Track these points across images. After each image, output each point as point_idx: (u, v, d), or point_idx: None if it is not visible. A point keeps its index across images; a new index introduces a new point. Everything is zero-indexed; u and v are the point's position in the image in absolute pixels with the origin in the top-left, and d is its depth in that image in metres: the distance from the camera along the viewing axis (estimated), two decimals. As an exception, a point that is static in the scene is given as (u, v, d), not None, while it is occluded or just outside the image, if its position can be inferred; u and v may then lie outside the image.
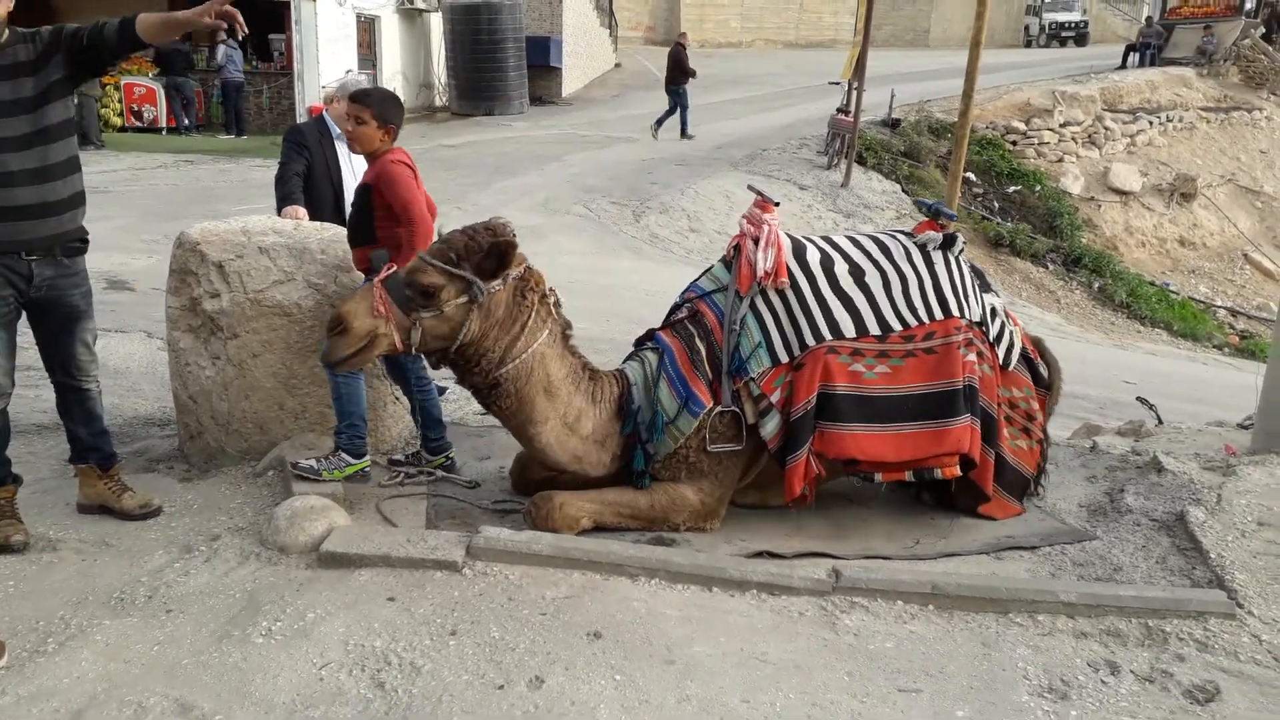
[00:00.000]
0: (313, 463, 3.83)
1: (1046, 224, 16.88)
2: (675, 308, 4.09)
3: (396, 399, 4.53)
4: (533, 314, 3.60)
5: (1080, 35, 34.13)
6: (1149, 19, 25.15)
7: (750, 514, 3.99)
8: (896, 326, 3.80)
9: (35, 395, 5.38)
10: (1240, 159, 21.32)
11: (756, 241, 3.79)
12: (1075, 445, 5.19)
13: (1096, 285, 15.68)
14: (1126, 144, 19.64)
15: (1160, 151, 20.08)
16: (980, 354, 3.89)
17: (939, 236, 3.96)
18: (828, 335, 3.73)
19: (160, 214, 10.51)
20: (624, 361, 3.98)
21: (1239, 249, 18.99)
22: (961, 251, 4.04)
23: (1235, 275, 18.61)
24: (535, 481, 4.00)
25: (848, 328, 3.76)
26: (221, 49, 17.16)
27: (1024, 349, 4.22)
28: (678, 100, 18.01)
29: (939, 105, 19.20)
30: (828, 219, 14.57)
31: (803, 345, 3.73)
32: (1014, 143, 18.67)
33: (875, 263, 3.90)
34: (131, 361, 6.37)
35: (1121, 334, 14.72)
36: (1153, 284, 16.67)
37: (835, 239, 4.06)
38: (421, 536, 3.46)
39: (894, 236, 4.05)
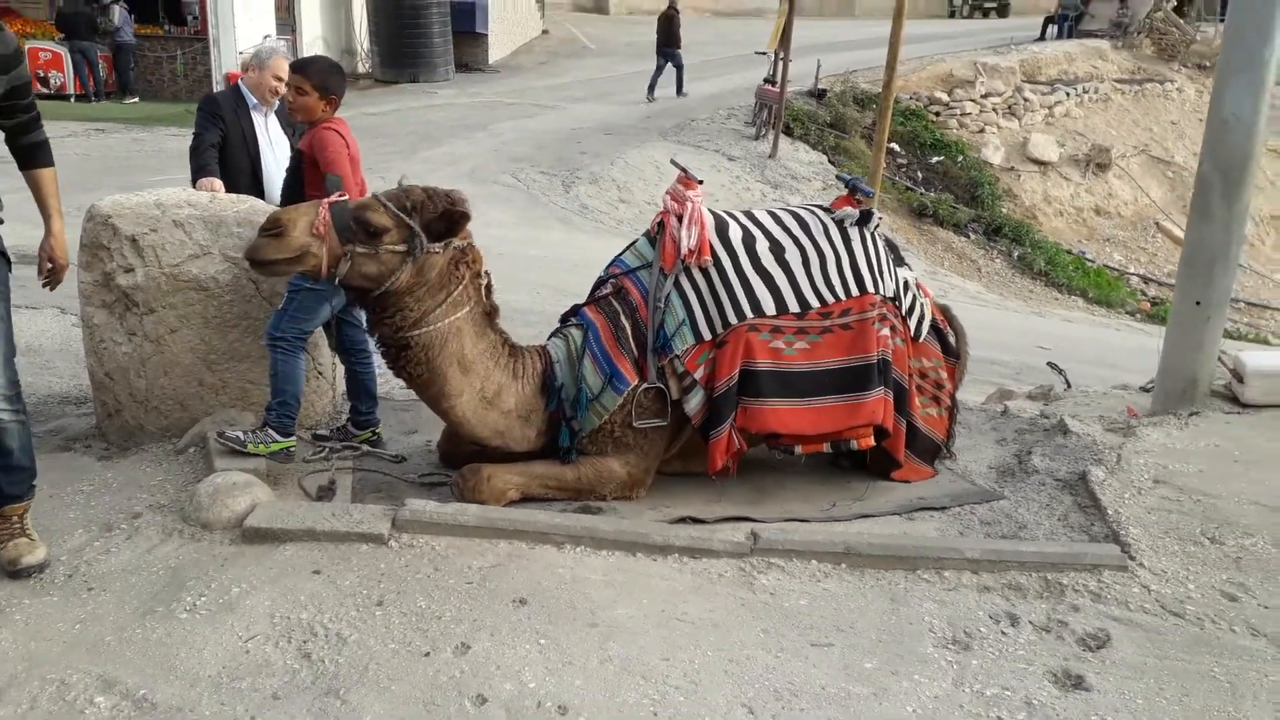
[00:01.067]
0: (239, 434, 3.80)
1: (968, 194, 17.27)
2: (599, 283, 4.13)
3: (320, 374, 4.51)
4: (460, 287, 3.62)
5: (1002, 7, 34.81)
6: (1066, -9, 25.68)
7: (674, 481, 4.09)
8: (815, 304, 3.89)
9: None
10: (1153, 130, 22.02)
11: (680, 219, 3.84)
12: (988, 409, 5.38)
13: (1016, 254, 16.13)
14: (1045, 115, 20.13)
15: (1077, 122, 20.63)
16: (893, 328, 4.02)
17: (856, 213, 4.06)
18: (749, 313, 3.81)
19: (71, 184, 10.09)
20: (549, 338, 4.02)
21: (1151, 218, 19.66)
22: (877, 228, 4.14)
23: (1148, 243, 19.28)
24: (464, 455, 4.02)
25: (768, 305, 3.84)
26: (117, 10, 16.54)
27: (934, 320, 4.36)
28: (669, 60, 18.99)
29: (864, 76, 19.45)
30: (755, 190, 14.71)
31: (725, 323, 3.80)
32: (937, 113, 19.01)
33: (795, 240, 3.98)
34: (44, 339, 6.21)
35: (1040, 301, 15.19)
36: (1069, 252, 17.20)
37: (756, 214, 4.13)
38: (346, 510, 3.48)
39: (813, 212, 4.14)
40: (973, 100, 19.30)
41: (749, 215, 4.13)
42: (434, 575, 3.13)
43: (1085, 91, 20.99)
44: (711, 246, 3.86)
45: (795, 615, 3.01)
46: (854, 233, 4.05)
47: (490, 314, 3.79)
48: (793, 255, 3.94)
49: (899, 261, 4.28)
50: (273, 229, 3.39)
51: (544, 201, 12.89)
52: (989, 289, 14.90)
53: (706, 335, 3.81)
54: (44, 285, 3.51)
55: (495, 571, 3.17)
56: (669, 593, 3.10)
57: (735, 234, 3.94)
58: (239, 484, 3.50)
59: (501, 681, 2.62)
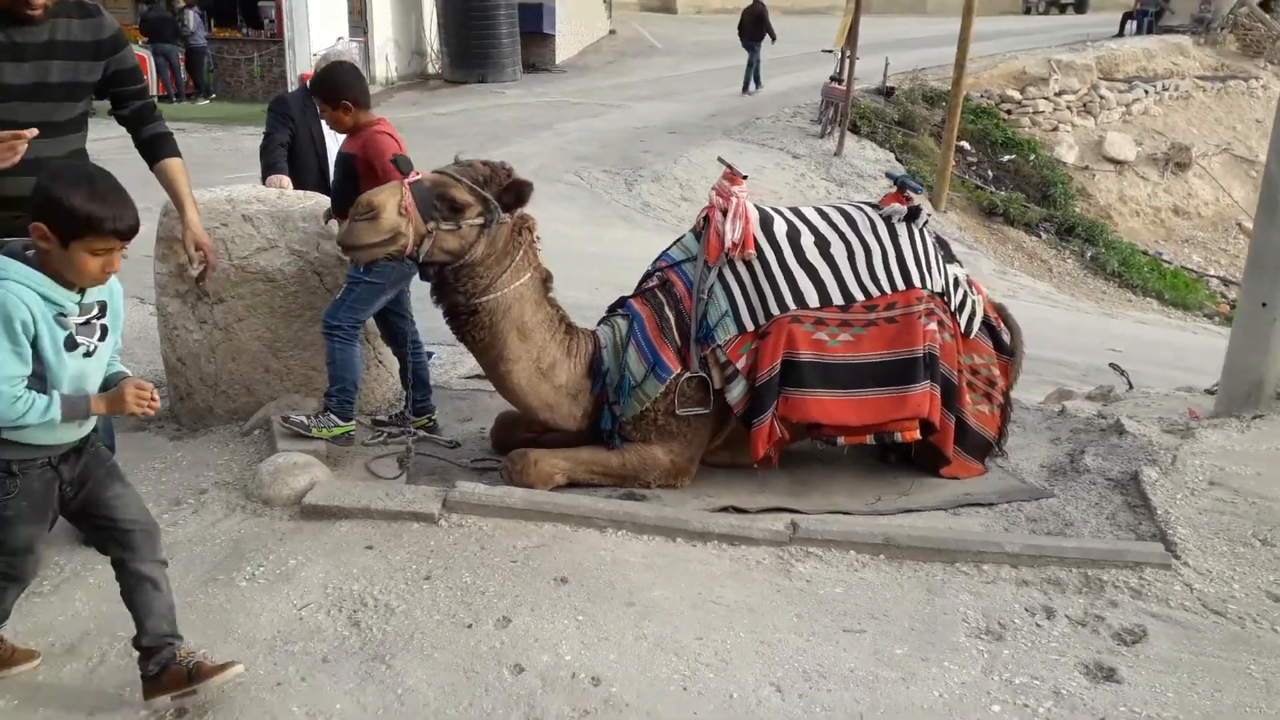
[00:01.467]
0: (303, 418, 3.96)
1: (1040, 193, 16.95)
2: (646, 276, 4.22)
3: (380, 362, 4.68)
4: (522, 253, 3.75)
5: (1080, 3, 34.01)
6: (1146, -13, 25.01)
7: (719, 472, 4.15)
8: (859, 297, 3.93)
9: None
10: (1236, 128, 21.35)
11: (725, 213, 3.91)
12: (1044, 409, 5.33)
13: (1089, 254, 15.79)
14: (1122, 113, 19.68)
15: (1155, 120, 20.11)
16: (941, 323, 4.02)
17: (903, 209, 4.08)
18: (792, 305, 3.86)
19: (153, 183, 10.59)
20: (596, 326, 4.12)
21: (1233, 219, 19.07)
22: (925, 224, 4.15)
23: (1229, 245, 18.71)
24: (515, 442, 4.14)
25: (811, 298, 3.89)
26: (191, 14, 17.12)
27: (986, 317, 4.35)
28: (753, 55, 19.36)
29: (934, 73, 19.21)
30: (820, 188, 14.65)
31: (768, 314, 3.86)
32: (1009, 111, 18.71)
33: (840, 234, 4.02)
34: (126, 328, 6.50)
35: (1112, 303, 14.85)
36: (1145, 253, 16.78)
37: (803, 211, 4.17)
38: (400, 490, 3.62)
39: (860, 209, 4.17)
40: (1046, 98, 18.95)
41: (795, 211, 4.17)
42: (480, 553, 3.25)
43: (1165, 89, 20.46)
44: (755, 240, 3.91)
45: (830, 602, 3.06)
46: (901, 228, 4.07)
47: (546, 281, 3.90)
48: (838, 249, 3.98)
49: (949, 258, 4.27)
50: (367, 213, 3.46)
51: (606, 200, 13.02)
52: (1060, 289, 14.62)
53: (749, 326, 3.87)
54: (197, 279, 3.70)
55: (538, 551, 3.28)
56: (706, 577, 3.17)
57: (780, 228, 3.99)
58: (299, 464, 3.67)
59: (539, 653, 2.72)
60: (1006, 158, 17.38)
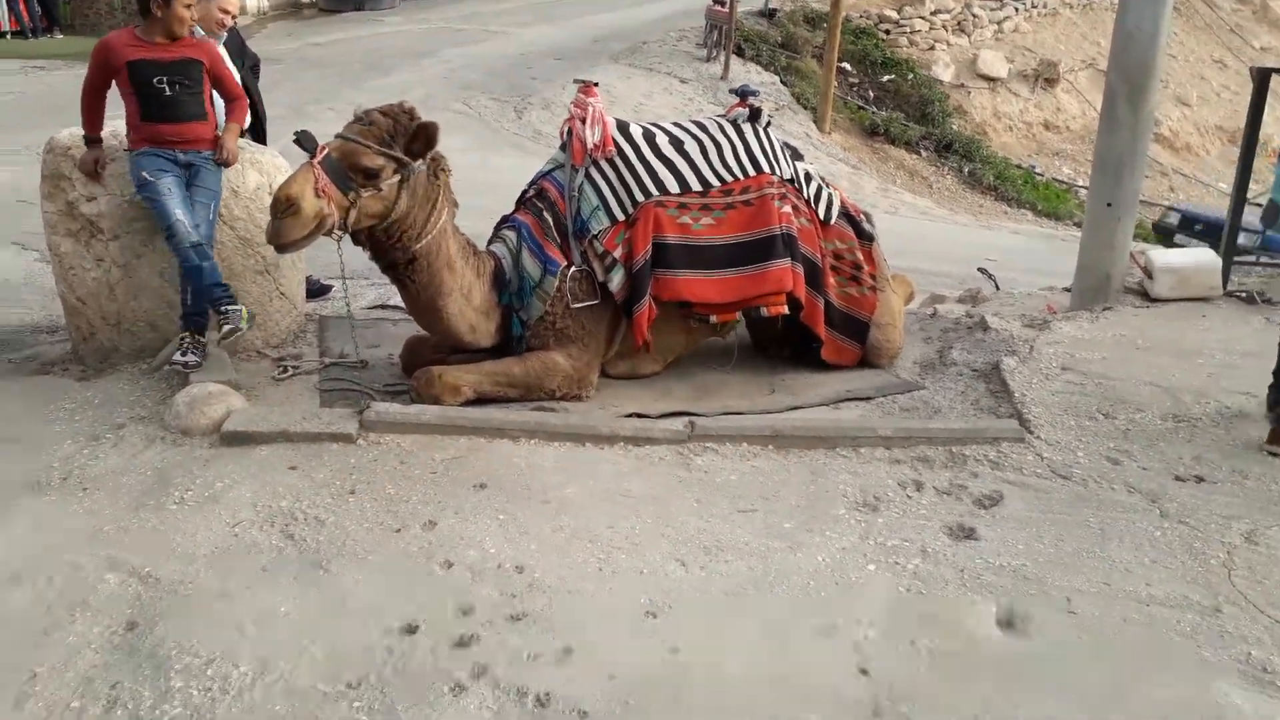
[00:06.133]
0: (227, 327, 3.98)
1: (919, 111, 17.49)
2: (523, 192, 4.48)
3: (282, 294, 4.75)
4: (441, 192, 3.89)
5: (954, -80, 34.49)
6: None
7: (622, 384, 4.41)
8: (715, 183, 4.31)
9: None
10: (1100, 44, 22.19)
11: (583, 121, 4.22)
12: (918, 313, 5.74)
13: (967, 170, 16.45)
14: (994, 31, 20.29)
15: (1026, 38, 20.82)
16: (795, 208, 4.39)
17: (745, 111, 4.49)
18: (654, 191, 4.22)
19: (15, 125, 10.10)
20: (487, 245, 4.30)
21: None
22: (768, 124, 4.56)
23: (1095, 156, 19.65)
24: (424, 364, 4.30)
25: (671, 185, 4.25)
26: None
27: (845, 208, 4.71)
28: None
29: (815, -6, 19.46)
30: (709, 112, 14.84)
31: (634, 202, 4.20)
32: (887, 32, 19.11)
33: (691, 135, 4.40)
34: (11, 274, 6.35)
35: (989, 215, 15.57)
36: (1019, 167, 17.55)
37: (658, 123, 4.54)
38: (316, 414, 3.77)
39: (709, 118, 4.58)
40: (922, 18, 19.41)
41: (652, 124, 4.54)
42: (400, 467, 3.45)
43: (1034, 6, 21.13)
44: (615, 141, 4.25)
45: (725, 488, 3.38)
46: (747, 128, 4.48)
47: (455, 211, 4.05)
48: (691, 146, 4.37)
49: (796, 156, 4.68)
50: (287, 208, 3.45)
51: (496, 128, 12.96)
52: (939, 205, 15.25)
53: (619, 215, 4.19)
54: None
55: (456, 463, 3.49)
56: (614, 474, 3.45)
57: (636, 131, 4.37)
58: (214, 393, 3.78)
59: (466, 549, 2.96)
60: (886, 78, 17.84)
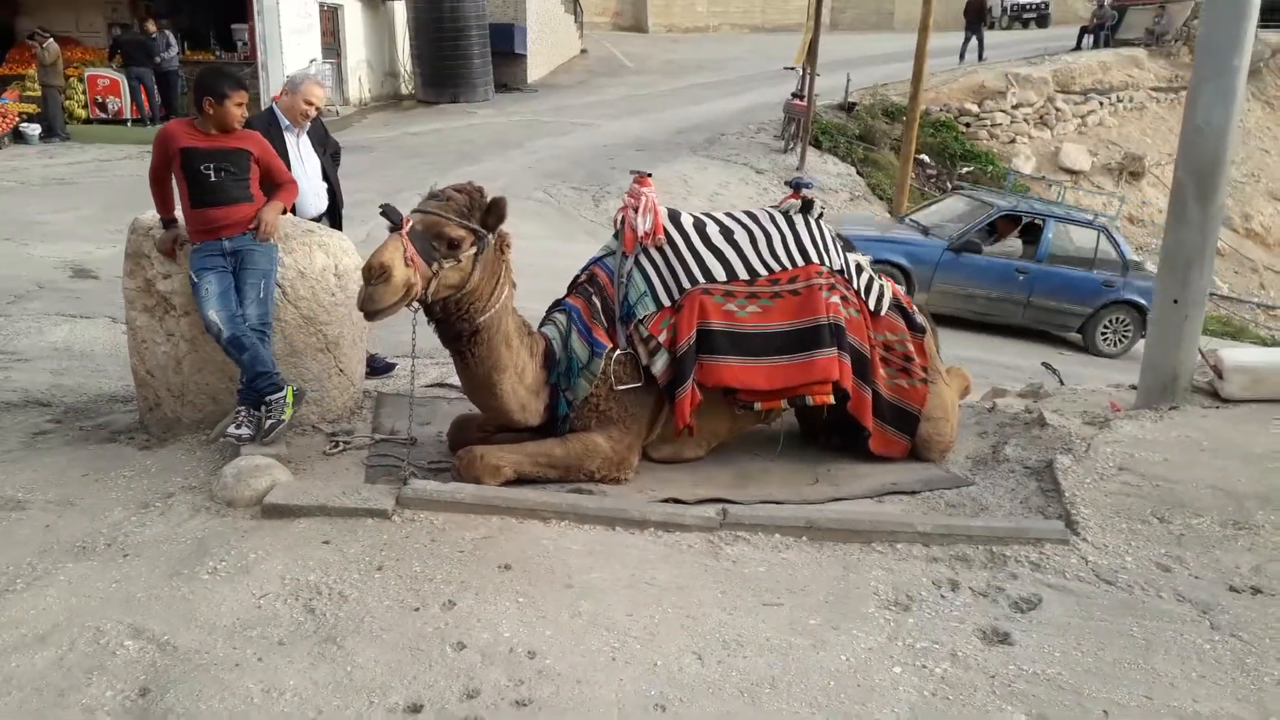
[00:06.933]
0: (270, 422, 4.09)
1: (998, 203, 17.36)
2: (576, 277, 4.57)
3: (341, 370, 4.89)
4: (504, 267, 4.01)
5: (1041, 17, 34.66)
6: (1102, 1, 25.61)
7: (662, 469, 4.40)
8: (763, 272, 4.34)
9: (5, 376, 5.73)
10: (1191, 137, 21.89)
11: (636, 209, 4.32)
12: (975, 406, 5.60)
13: (1044, 262, 16.16)
14: (1077, 124, 20.19)
15: (1110, 131, 20.64)
16: (845, 298, 4.38)
17: (798, 203, 4.54)
18: (701, 279, 4.27)
19: (124, 204, 10.70)
20: (539, 327, 4.38)
21: (1188, 225, 19.53)
22: (821, 216, 4.60)
23: (1186, 251, 19.14)
24: (469, 442, 4.37)
25: (719, 272, 4.30)
26: (164, 37, 17.21)
27: (896, 299, 4.68)
28: (975, 34, 23.82)
29: (895, 88, 19.64)
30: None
31: (680, 289, 4.25)
32: (967, 125, 19.17)
33: (742, 224, 4.46)
34: (96, 345, 6.70)
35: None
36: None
37: (711, 213, 4.60)
38: (356, 489, 3.84)
39: (761, 209, 4.62)
40: (1003, 111, 19.43)
41: (705, 213, 4.61)
42: (430, 545, 3.47)
43: (1120, 100, 21.00)
44: (665, 229, 4.33)
45: (753, 580, 3.31)
46: (798, 219, 4.52)
47: (513, 290, 4.15)
48: (741, 235, 4.42)
49: (849, 248, 4.69)
50: (380, 275, 3.54)
51: (574, 215, 13.29)
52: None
53: (665, 301, 4.25)
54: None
55: (485, 542, 3.50)
56: (640, 561, 3.41)
57: (687, 221, 4.44)
58: (260, 466, 3.88)
59: (480, 632, 2.95)
60: (965, 169, 17.81)
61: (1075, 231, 11.35)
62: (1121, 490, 4.07)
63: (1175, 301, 5.23)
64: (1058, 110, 19.97)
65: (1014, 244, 11.38)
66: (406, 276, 3.60)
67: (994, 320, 11.21)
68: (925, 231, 11.50)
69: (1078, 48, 24.57)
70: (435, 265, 3.68)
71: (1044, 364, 7.05)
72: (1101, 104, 20.56)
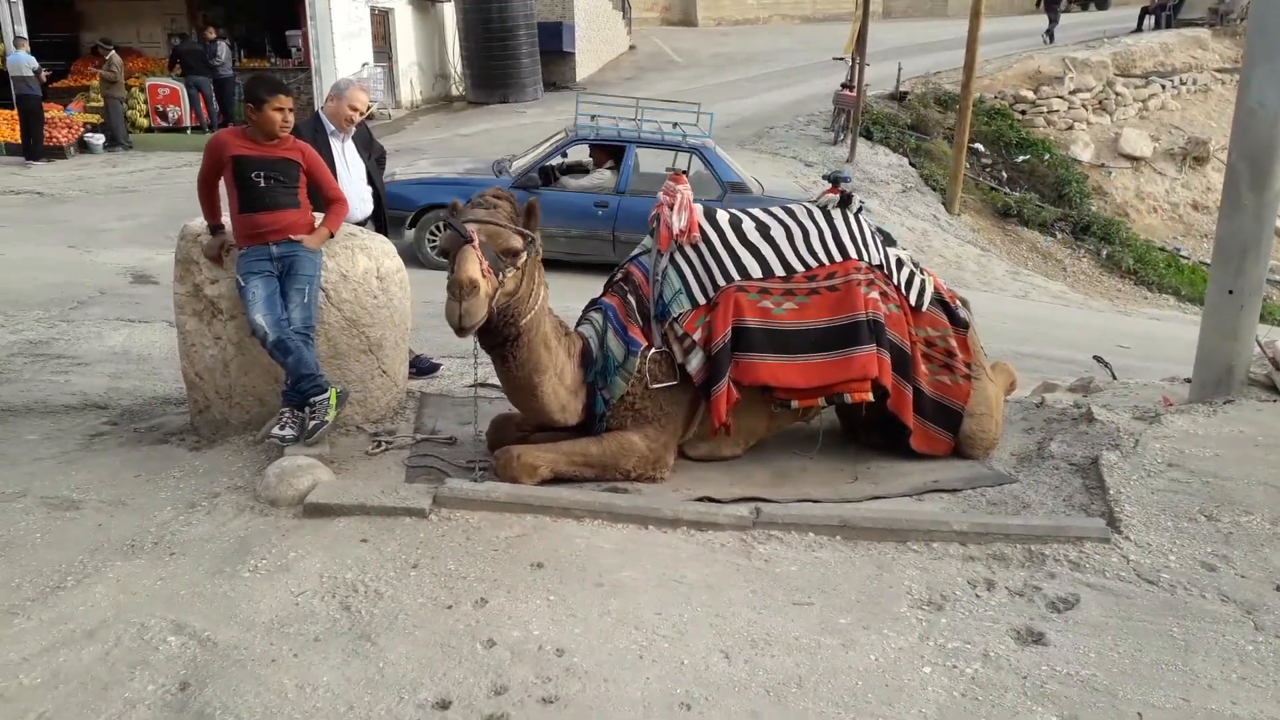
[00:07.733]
0: (313, 423, 4.18)
1: (1055, 192, 17.01)
2: (611, 275, 4.57)
3: (384, 372, 4.97)
4: (539, 270, 4.05)
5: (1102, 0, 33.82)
6: (1163, -19, 24.93)
7: (699, 468, 4.39)
8: (799, 268, 4.29)
9: (65, 380, 5.92)
10: (1259, 120, 21.19)
11: (671, 207, 4.29)
12: (1023, 402, 5.51)
13: (1104, 253, 15.82)
14: (1138, 109, 19.67)
15: (1173, 115, 20.07)
16: (884, 293, 4.32)
17: (836, 197, 4.47)
18: (736, 276, 4.24)
19: (184, 210, 11.01)
20: (575, 327, 4.41)
21: (1255, 211, 18.91)
22: (860, 210, 4.53)
23: (1253, 237, 18.54)
24: (507, 441, 4.42)
25: (754, 269, 4.27)
26: (221, 46, 17.61)
27: (939, 293, 4.60)
28: (1053, 18, 24.54)
29: (948, 76, 19.33)
30: (832, 194, 14.83)
31: (715, 287, 4.22)
32: (1023, 112, 18.79)
33: (779, 220, 4.42)
34: (153, 349, 6.88)
35: (1127, 300, 14.87)
36: (1163, 249, 16.76)
37: (748, 209, 4.55)
38: (394, 488, 3.90)
39: (798, 204, 4.58)
40: (1060, 97, 19.00)
41: (741, 209, 4.57)
42: (465, 543, 3.52)
43: (1183, 83, 20.40)
44: (701, 226, 4.31)
45: (784, 579, 3.29)
46: (836, 214, 4.46)
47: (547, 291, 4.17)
48: (777, 231, 4.38)
49: (889, 242, 4.62)
50: (471, 289, 3.58)
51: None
52: (1074, 289, 14.68)
53: (700, 300, 4.22)
54: None
55: (519, 540, 3.54)
56: (672, 559, 3.42)
57: (723, 217, 4.41)
58: (303, 466, 3.97)
59: (510, 629, 2.98)
60: (1021, 158, 17.47)
61: (667, 156, 10.33)
62: (1169, 487, 3.97)
63: (1230, 292, 5.07)
64: (1117, 95, 19.46)
65: (604, 175, 10.47)
66: (488, 288, 3.66)
67: (588, 259, 9.94)
68: (500, 171, 10.49)
69: (1138, 29, 23.93)
70: (501, 274, 3.73)
71: (1095, 357, 6.88)
72: (1164, 87, 19.99)
